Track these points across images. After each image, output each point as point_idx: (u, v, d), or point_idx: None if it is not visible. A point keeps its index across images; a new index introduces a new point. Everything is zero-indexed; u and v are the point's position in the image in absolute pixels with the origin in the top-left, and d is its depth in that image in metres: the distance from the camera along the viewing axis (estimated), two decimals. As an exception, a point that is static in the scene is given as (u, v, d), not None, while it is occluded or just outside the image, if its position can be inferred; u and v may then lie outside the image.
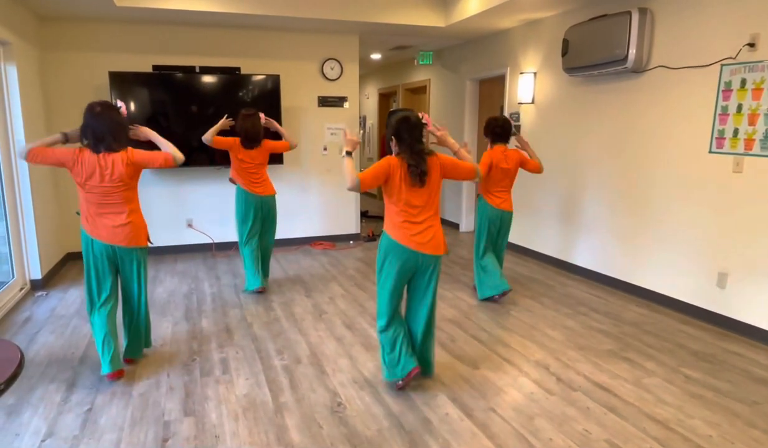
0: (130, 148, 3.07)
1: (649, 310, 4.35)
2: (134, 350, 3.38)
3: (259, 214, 4.66)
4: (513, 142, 4.54)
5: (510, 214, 4.52)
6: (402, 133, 2.86)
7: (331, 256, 6.23)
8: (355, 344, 3.70)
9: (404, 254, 2.86)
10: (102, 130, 2.93)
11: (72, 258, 5.77)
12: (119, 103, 3.10)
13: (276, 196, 4.79)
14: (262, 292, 4.77)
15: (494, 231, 4.50)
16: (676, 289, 4.31)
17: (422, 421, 2.74)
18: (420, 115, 2.96)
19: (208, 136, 4.39)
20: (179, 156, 3.20)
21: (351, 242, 6.96)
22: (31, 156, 2.91)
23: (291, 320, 4.14)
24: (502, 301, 4.55)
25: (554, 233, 5.69)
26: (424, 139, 2.95)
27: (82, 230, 3.09)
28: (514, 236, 6.38)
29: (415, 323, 3.08)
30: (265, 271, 4.91)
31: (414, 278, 2.99)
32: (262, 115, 4.63)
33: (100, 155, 2.96)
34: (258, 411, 2.83)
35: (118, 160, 2.99)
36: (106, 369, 3.11)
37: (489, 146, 4.42)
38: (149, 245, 3.31)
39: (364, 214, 8.05)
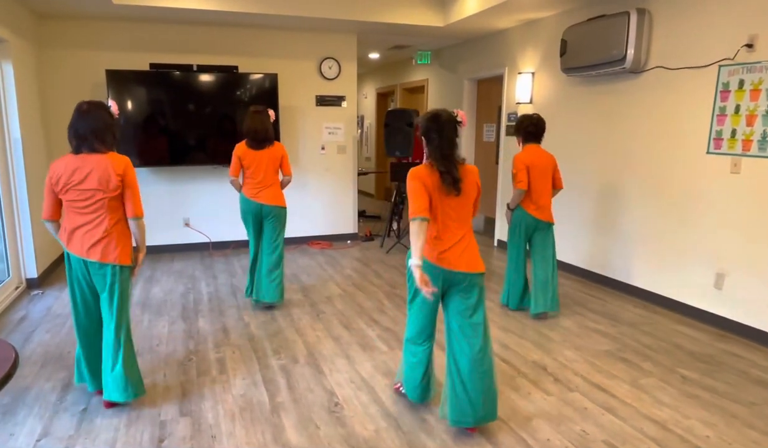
0: (128, 162, 2.71)
1: (646, 310, 4.35)
2: (112, 392, 2.76)
3: (257, 224, 4.26)
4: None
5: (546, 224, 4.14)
6: (431, 134, 2.50)
7: (328, 255, 6.22)
8: (352, 343, 3.69)
9: (435, 271, 2.50)
10: (85, 130, 2.59)
11: (68, 257, 5.75)
12: (109, 103, 2.81)
13: (284, 208, 4.26)
14: (258, 305, 4.43)
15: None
16: (673, 289, 4.31)
17: (419, 421, 2.73)
18: (454, 112, 2.56)
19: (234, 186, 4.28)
20: (139, 223, 2.80)
21: (348, 241, 6.95)
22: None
23: (288, 320, 4.13)
24: (498, 301, 4.55)
25: (552, 233, 5.68)
26: (458, 140, 2.57)
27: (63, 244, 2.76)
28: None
29: (461, 357, 2.55)
30: (261, 286, 4.30)
31: (451, 299, 2.59)
32: (271, 112, 4.22)
33: (80, 156, 2.61)
34: (255, 411, 2.82)
35: (103, 162, 2.61)
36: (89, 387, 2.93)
37: (520, 147, 4.09)
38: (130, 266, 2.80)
39: (361, 214, 8.04)
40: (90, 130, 2.61)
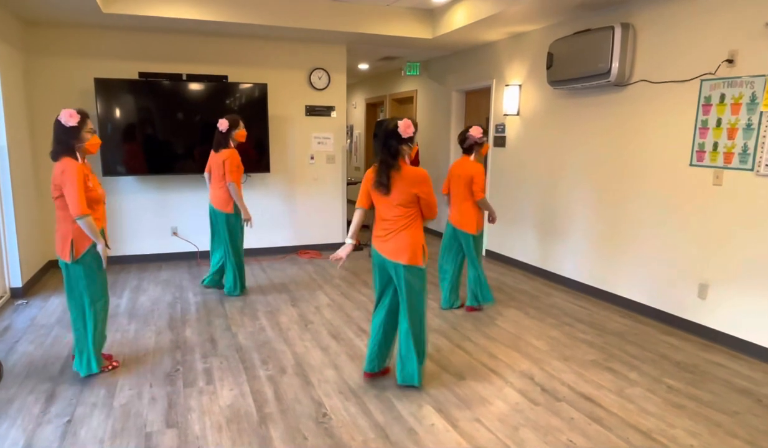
0: (66, 166, 2.98)
1: (633, 320, 4.40)
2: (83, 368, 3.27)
3: (211, 224, 4.91)
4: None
5: (461, 233, 4.44)
6: (374, 140, 3.01)
7: (317, 265, 6.21)
8: (341, 354, 3.69)
9: (375, 257, 3.09)
10: (53, 138, 3.06)
11: (54, 266, 5.68)
12: (62, 113, 3.02)
13: (222, 212, 4.68)
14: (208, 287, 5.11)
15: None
16: (659, 300, 4.36)
17: (408, 432, 2.73)
18: (400, 122, 2.91)
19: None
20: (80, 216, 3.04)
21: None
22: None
23: (276, 330, 4.12)
24: (486, 310, 4.57)
25: (540, 244, 5.74)
26: (405, 147, 2.93)
27: None
28: (498, 245, 6.43)
29: (399, 332, 3.15)
30: (217, 277, 5.06)
31: (394, 284, 3.10)
32: (222, 121, 4.63)
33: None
34: (242, 422, 2.80)
35: (56, 168, 3.03)
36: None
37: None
38: (71, 262, 3.08)
39: (350, 224, 8.04)
40: (53, 138, 3.08)
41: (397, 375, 3.18)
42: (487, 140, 4.43)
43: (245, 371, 3.40)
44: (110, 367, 3.39)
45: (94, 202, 3.11)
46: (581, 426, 2.79)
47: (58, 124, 3.03)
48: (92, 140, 3.13)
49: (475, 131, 4.31)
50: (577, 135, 5.13)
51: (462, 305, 4.65)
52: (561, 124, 5.33)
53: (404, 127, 2.89)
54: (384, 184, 2.93)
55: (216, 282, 5.08)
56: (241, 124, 4.71)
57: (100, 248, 3.12)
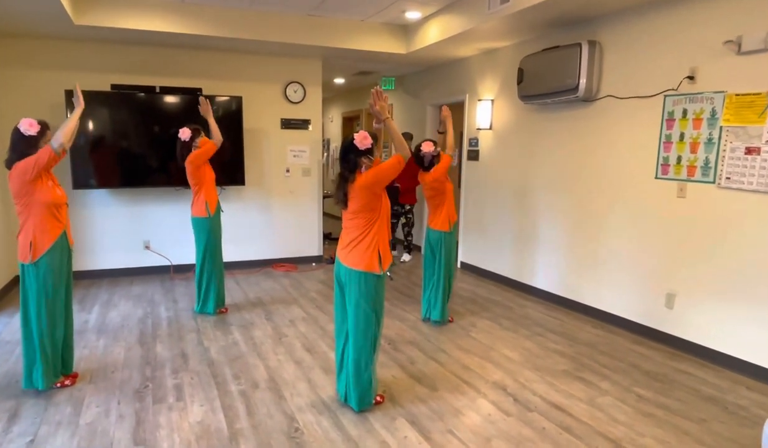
0: (24, 161, 3.01)
1: (604, 330, 4.47)
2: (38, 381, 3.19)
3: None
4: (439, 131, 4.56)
5: (434, 232, 4.44)
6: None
7: (292, 278, 6.17)
8: (314, 367, 3.67)
9: (335, 267, 3.06)
10: (9, 146, 3.06)
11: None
12: (21, 122, 3.03)
13: (195, 218, 4.60)
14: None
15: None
16: (628, 310, 4.45)
17: (381, 445, 2.72)
18: (356, 134, 2.88)
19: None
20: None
21: (313, 264, 6.92)
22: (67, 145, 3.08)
23: (250, 344, 4.07)
24: (459, 322, 4.60)
25: (512, 256, 5.81)
26: (365, 159, 2.88)
27: None
28: (472, 257, 6.49)
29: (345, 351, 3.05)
30: (197, 296, 4.79)
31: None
32: (183, 131, 4.54)
33: None
34: (212, 439, 2.76)
35: (11, 174, 3.03)
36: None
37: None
38: (29, 263, 3.08)
39: (327, 236, 8.02)
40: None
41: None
42: (441, 149, 4.34)
43: (217, 386, 3.36)
44: (59, 384, 3.27)
45: (54, 206, 3.09)
46: (552, 436, 2.82)
47: (16, 132, 3.01)
48: None
49: (427, 147, 4.29)
50: (547, 149, 5.23)
51: (451, 320, 4.63)
52: (532, 138, 5.43)
53: (360, 139, 2.84)
54: (342, 201, 2.93)
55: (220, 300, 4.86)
56: (203, 133, 4.58)
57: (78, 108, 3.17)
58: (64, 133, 3.04)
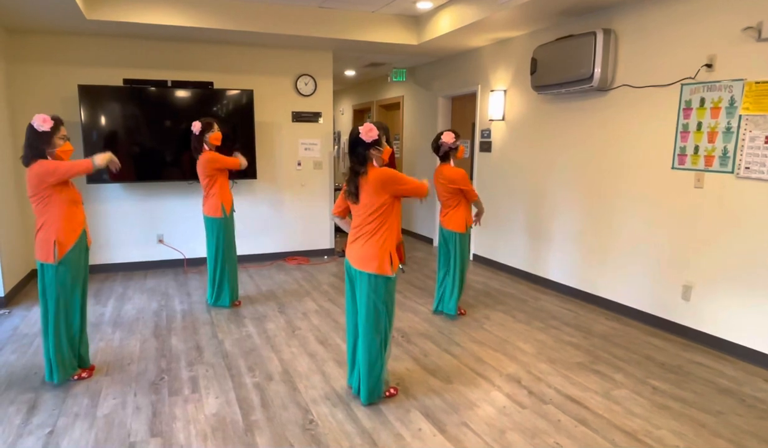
0: (43, 162, 3.02)
1: (618, 322, 4.43)
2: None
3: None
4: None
5: (448, 232, 4.43)
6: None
7: (305, 271, 6.19)
8: (328, 359, 3.67)
9: (345, 264, 3.03)
10: (24, 143, 3.07)
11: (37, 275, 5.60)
12: (35, 118, 3.03)
13: (208, 217, 4.57)
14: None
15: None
16: (644, 302, 4.40)
17: (395, 437, 2.72)
18: (360, 128, 2.84)
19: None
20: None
21: (325, 257, 6.94)
22: None
23: (263, 337, 4.09)
24: (473, 314, 4.59)
25: (526, 247, 5.77)
26: (373, 151, 2.85)
27: None
28: (486, 250, 6.46)
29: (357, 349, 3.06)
30: (210, 289, 4.79)
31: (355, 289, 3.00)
32: (195, 124, 4.48)
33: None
34: (227, 430, 2.78)
35: (29, 172, 3.04)
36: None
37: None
38: (53, 264, 3.09)
39: (338, 230, 8.03)
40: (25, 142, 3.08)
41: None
42: (461, 143, 4.36)
43: (231, 378, 3.38)
44: (76, 377, 3.31)
45: (73, 203, 3.13)
46: (568, 428, 2.80)
47: (30, 128, 3.01)
48: (64, 147, 3.10)
49: (448, 137, 4.28)
50: (561, 139, 5.18)
51: (464, 313, 4.62)
52: (545, 129, 5.38)
53: (365, 132, 2.80)
54: (353, 193, 2.89)
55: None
56: (216, 127, 4.51)
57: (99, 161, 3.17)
58: (101, 159, 3.15)
